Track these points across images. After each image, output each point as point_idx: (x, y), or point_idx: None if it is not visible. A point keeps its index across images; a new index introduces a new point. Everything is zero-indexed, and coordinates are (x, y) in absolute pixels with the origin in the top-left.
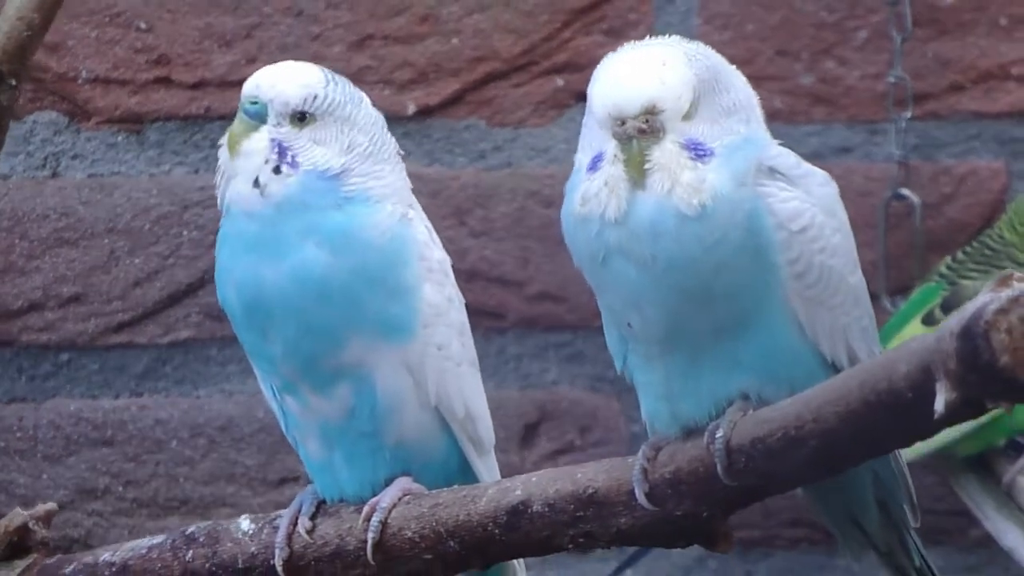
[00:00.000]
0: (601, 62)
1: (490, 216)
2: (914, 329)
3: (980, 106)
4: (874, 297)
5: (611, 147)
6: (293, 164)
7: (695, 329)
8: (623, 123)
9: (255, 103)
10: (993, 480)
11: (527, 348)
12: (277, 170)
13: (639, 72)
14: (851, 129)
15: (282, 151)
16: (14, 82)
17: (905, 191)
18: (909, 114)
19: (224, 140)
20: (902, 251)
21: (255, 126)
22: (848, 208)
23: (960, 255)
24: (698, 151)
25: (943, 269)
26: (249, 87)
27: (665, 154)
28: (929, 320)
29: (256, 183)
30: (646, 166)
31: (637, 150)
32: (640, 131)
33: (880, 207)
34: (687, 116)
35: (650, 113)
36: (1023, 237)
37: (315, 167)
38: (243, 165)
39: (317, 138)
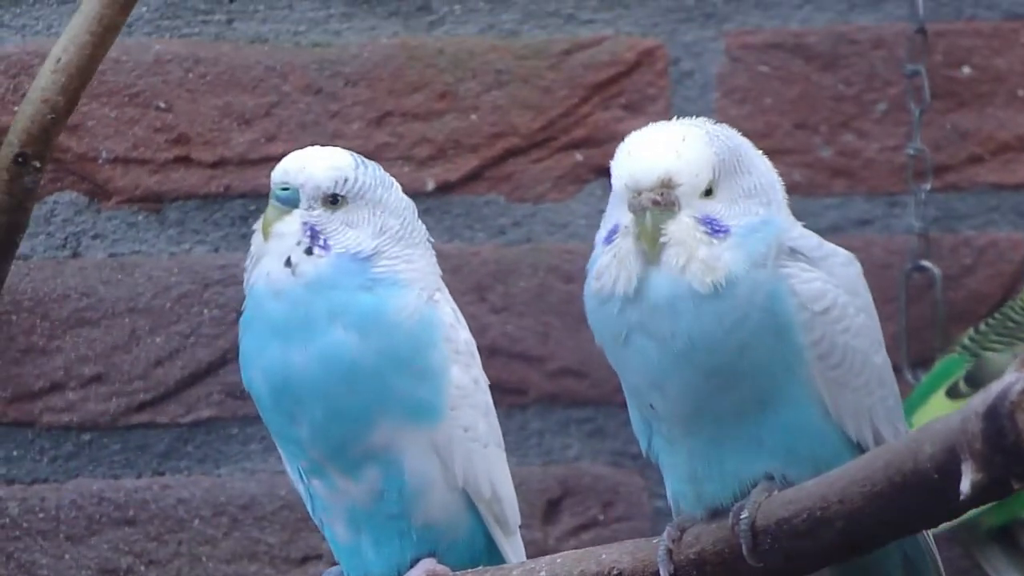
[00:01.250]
0: (626, 138)
1: (511, 292)
2: (938, 402)
3: (999, 177)
4: (896, 369)
5: (626, 219)
6: (325, 246)
7: (718, 410)
8: (639, 194)
9: (286, 188)
10: (1018, 552)
11: (549, 424)
12: (309, 251)
13: (657, 145)
14: (871, 201)
15: (314, 234)
16: (38, 164)
17: (925, 263)
18: (928, 186)
19: (257, 226)
20: (923, 323)
21: (288, 211)
22: (868, 280)
23: (982, 327)
24: (714, 227)
25: (966, 341)
26: (278, 174)
27: (681, 228)
28: (953, 393)
29: (288, 263)
30: (661, 239)
31: (651, 222)
32: (654, 202)
33: (900, 279)
34: (705, 194)
35: (666, 186)
36: None
37: (347, 249)
38: (275, 246)
39: (349, 221)
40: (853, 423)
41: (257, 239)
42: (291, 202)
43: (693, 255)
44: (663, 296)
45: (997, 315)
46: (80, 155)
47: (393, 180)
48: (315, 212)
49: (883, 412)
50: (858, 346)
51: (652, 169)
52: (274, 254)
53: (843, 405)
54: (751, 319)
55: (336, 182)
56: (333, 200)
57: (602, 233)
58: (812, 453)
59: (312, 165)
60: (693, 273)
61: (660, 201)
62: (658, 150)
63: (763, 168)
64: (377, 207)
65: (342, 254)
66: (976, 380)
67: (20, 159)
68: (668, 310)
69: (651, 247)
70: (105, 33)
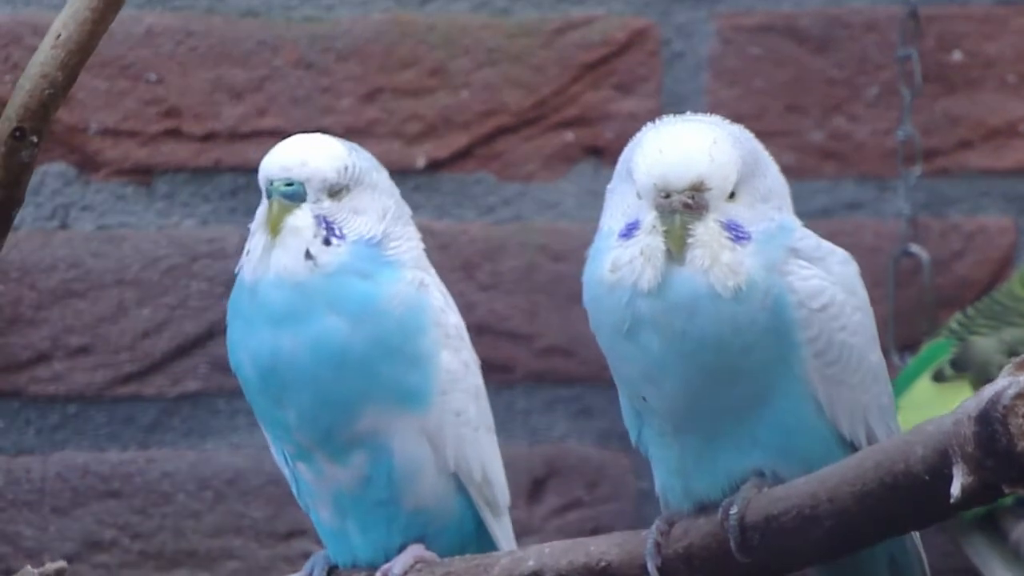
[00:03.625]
0: (646, 131)
1: (499, 270)
2: (923, 386)
3: (989, 163)
4: (884, 352)
5: (650, 217)
6: (341, 235)
7: (713, 406)
8: (668, 196)
9: (290, 184)
10: (1001, 538)
11: (535, 403)
12: (327, 242)
13: (690, 147)
14: (861, 185)
15: (329, 225)
16: (35, 139)
17: (914, 247)
18: (918, 170)
19: (260, 222)
20: (911, 307)
21: (295, 205)
22: (858, 264)
23: (970, 311)
24: (738, 233)
25: (953, 325)
26: (278, 170)
27: (708, 232)
28: (939, 376)
29: (308, 255)
30: (689, 240)
31: (679, 224)
32: (686, 206)
33: (889, 263)
34: (730, 197)
35: (697, 189)
36: None
37: (360, 236)
38: (290, 241)
39: (355, 208)
40: (847, 421)
41: (260, 235)
42: (297, 197)
43: (717, 259)
44: (684, 295)
45: (985, 299)
46: (70, 126)
47: (377, 162)
48: (324, 204)
49: (877, 410)
50: (855, 343)
51: (686, 172)
52: (290, 248)
53: (838, 402)
54: (759, 322)
55: (339, 172)
56: (338, 190)
57: (613, 224)
58: (804, 450)
59: (314, 158)
60: (717, 276)
61: (692, 204)
62: (691, 152)
63: (774, 171)
64: (375, 190)
65: (357, 241)
66: (961, 364)
67: (18, 133)
68: (686, 309)
69: (678, 248)
70: (106, 9)
